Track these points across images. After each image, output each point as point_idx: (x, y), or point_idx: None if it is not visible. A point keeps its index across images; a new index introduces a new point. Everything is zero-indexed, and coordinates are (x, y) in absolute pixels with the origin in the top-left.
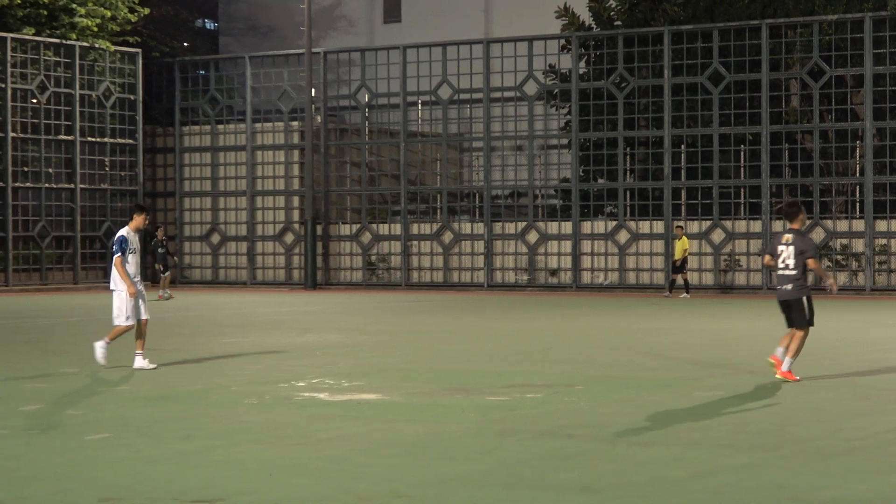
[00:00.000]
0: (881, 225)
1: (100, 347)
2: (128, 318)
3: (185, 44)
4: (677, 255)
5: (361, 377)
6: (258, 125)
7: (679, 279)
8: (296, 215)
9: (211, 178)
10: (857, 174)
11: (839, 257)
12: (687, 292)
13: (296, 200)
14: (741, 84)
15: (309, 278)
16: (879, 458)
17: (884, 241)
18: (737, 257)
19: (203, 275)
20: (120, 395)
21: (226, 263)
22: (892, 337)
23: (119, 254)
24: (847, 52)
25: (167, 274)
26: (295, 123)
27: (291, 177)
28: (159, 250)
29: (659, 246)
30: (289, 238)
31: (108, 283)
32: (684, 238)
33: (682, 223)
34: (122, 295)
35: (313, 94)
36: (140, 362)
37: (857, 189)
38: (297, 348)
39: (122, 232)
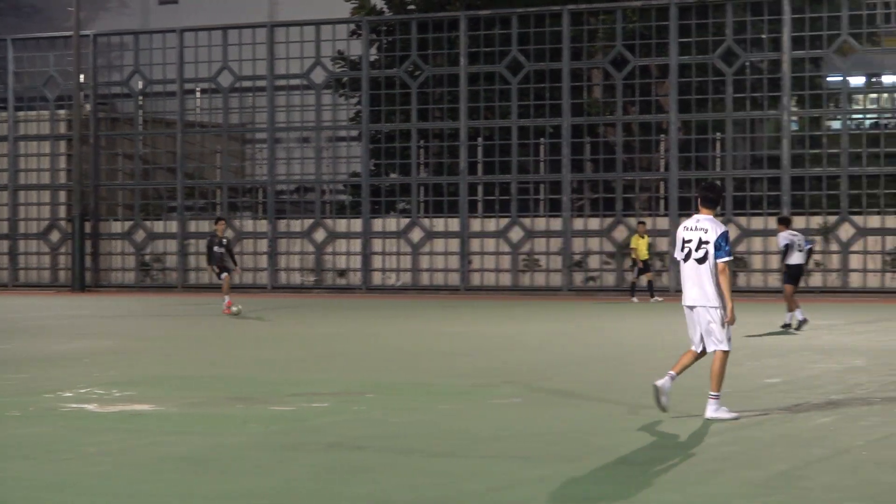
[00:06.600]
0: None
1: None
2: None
3: None
4: (644, 255)
5: (134, 386)
6: (21, 114)
7: (643, 280)
8: (62, 211)
9: None
10: (662, 169)
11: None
12: (652, 295)
13: (62, 195)
14: (541, 73)
15: (76, 279)
16: (700, 466)
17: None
18: (536, 257)
19: None
20: None
21: None
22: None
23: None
24: (652, 40)
25: (225, 276)
26: (62, 112)
27: (58, 170)
28: (215, 249)
29: (454, 244)
30: (55, 236)
31: None
32: (646, 236)
33: (644, 219)
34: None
35: (82, 80)
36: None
37: (662, 185)
38: (64, 356)
39: None
